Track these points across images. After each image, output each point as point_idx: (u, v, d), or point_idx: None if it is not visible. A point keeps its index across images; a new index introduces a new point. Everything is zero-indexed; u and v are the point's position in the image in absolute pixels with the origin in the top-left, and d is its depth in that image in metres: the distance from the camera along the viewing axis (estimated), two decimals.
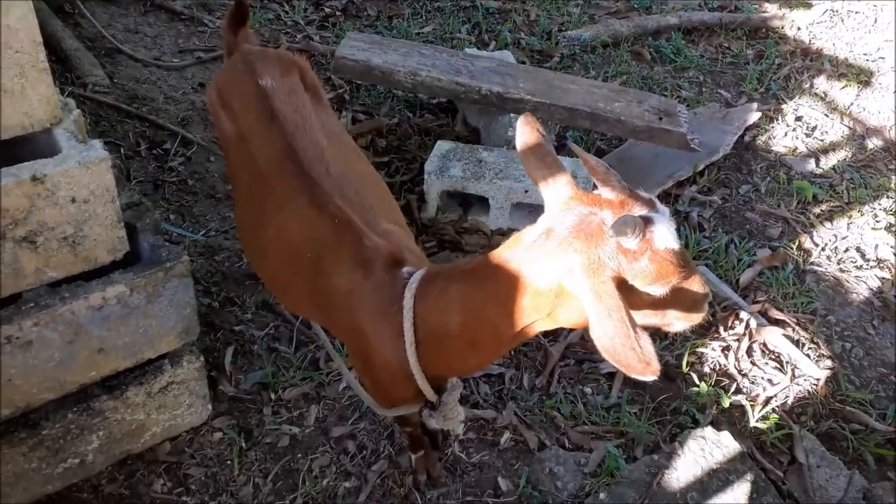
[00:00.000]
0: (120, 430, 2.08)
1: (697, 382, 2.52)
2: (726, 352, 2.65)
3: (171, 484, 2.15)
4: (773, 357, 2.65)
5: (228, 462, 2.21)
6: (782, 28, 4.56)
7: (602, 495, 2.19)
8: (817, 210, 3.30)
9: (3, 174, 1.61)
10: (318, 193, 1.73)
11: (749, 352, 2.65)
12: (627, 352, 1.19)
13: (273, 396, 2.38)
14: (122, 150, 3.18)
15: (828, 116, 3.89)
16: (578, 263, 1.25)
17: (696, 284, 1.35)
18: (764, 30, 4.56)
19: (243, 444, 2.25)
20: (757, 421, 2.43)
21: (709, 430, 2.35)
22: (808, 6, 4.75)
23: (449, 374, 1.67)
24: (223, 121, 1.97)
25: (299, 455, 2.25)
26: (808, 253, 3.08)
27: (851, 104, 3.96)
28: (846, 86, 4.08)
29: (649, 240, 1.25)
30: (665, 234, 1.26)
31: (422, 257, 1.72)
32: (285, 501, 2.14)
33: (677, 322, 1.41)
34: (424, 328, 1.50)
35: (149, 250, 1.97)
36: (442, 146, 3.11)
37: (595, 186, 1.35)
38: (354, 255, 1.62)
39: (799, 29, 4.57)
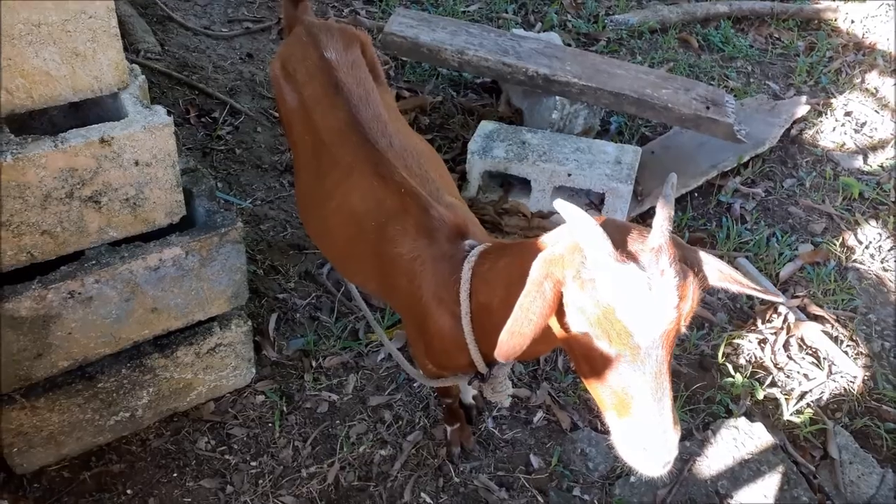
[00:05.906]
0: (168, 388, 2.16)
1: (732, 373, 2.53)
2: (763, 344, 2.65)
3: (214, 442, 2.23)
4: (810, 352, 2.64)
5: (270, 424, 2.28)
6: (835, 20, 4.46)
7: (632, 478, 2.22)
8: (863, 207, 3.25)
9: (74, 135, 1.67)
10: (383, 164, 1.77)
11: (786, 346, 2.65)
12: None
13: (314, 364, 2.45)
14: (172, 118, 3.24)
15: (878, 113, 3.82)
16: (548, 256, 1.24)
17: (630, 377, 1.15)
18: (816, 21, 4.46)
19: (284, 408, 2.32)
20: (791, 414, 2.43)
21: (742, 421, 2.36)
22: None
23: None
24: (286, 92, 2.01)
25: (337, 421, 2.32)
26: (851, 250, 3.05)
27: None
28: None
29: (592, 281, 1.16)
30: (607, 287, 1.14)
31: (484, 232, 1.75)
32: (323, 465, 2.20)
33: (607, 413, 1.22)
34: (476, 300, 1.54)
35: (204, 215, 2.03)
36: (486, 126, 3.12)
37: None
38: (420, 224, 1.66)
39: (853, 22, 4.47)
